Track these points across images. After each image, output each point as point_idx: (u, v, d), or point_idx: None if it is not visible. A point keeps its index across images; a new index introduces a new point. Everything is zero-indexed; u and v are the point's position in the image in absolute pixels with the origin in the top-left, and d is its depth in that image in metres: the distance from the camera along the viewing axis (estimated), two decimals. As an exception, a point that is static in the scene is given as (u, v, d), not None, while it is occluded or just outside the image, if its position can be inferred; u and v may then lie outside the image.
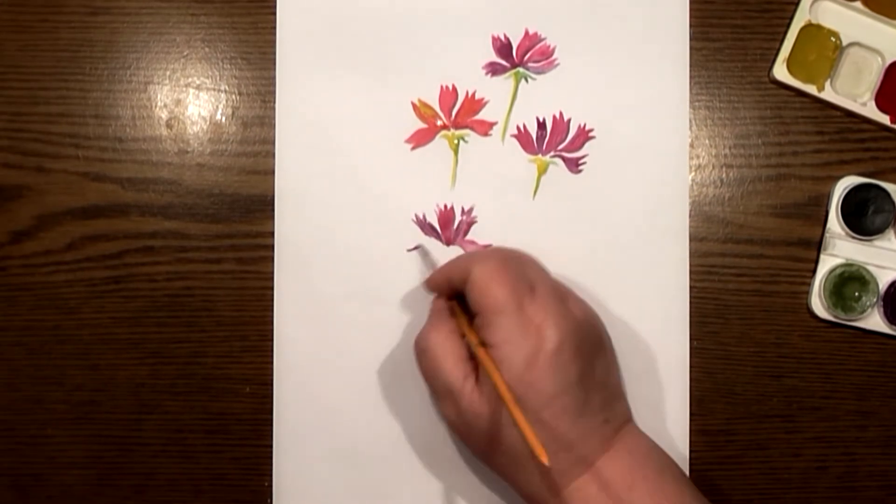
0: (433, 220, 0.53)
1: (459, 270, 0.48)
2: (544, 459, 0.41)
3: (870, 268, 0.52)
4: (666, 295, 0.53)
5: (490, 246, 0.52)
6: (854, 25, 0.53)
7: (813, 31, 0.53)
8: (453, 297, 0.49)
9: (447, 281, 0.49)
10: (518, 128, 0.53)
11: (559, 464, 0.45)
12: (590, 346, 0.46)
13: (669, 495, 0.45)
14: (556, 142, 0.53)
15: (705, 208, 0.53)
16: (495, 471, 0.48)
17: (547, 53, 0.53)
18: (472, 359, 0.46)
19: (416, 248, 0.52)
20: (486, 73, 0.53)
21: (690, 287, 0.53)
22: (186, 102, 0.54)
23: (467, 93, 0.53)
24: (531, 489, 0.46)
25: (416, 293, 0.53)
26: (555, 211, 0.53)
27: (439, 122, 0.53)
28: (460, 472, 0.53)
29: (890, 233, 0.52)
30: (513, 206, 0.53)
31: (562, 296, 0.47)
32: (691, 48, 0.53)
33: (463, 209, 0.53)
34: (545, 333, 0.45)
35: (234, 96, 0.53)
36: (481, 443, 0.47)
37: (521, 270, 0.47)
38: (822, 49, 0.53)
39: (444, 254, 0.53)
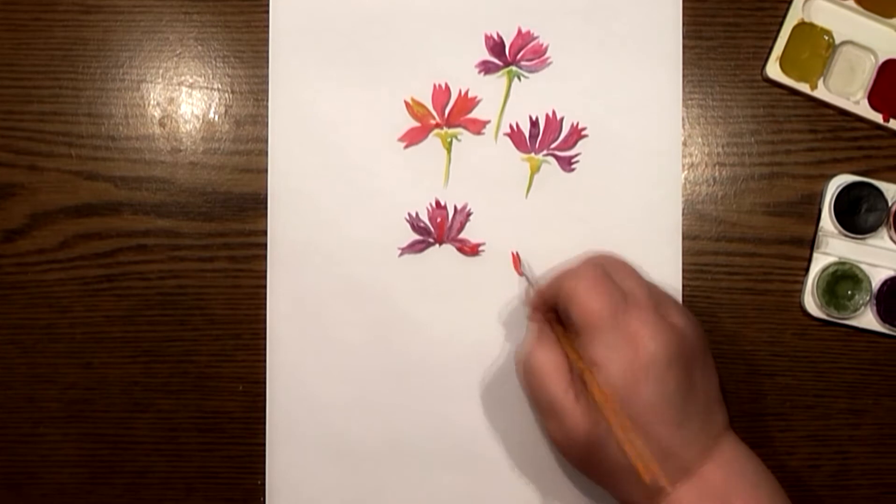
0: (426, 219, 0.53)
1: (556, 290, 0.47)
2: (647, 479, 0.42)
3: (863, 266, 0.52)
4: (659, 293, 0.53)
5: (584, 262, 0.49)
6: (847, 24, 0.53)
7: (806, 30, 0.53)
8: (551, 311, 0.49)
9: (545, 302, 0.49)
10: (511, 126, 0.53)
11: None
12: (688, 355, 0.46)
13: None
14: (549, 140, 0.53)
15: (698, 207, 0.53)
16: (594, 480, 0.48)
17: (540, 52, 0.53)
18: (573, 370, 0.46)
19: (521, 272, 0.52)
20: (479, 72, 0.53)
21: (683, 285, 0.53)
22: (179, 101, 0.54)
23: (460, 91, 0.53)
24: (631, 498, 0.46)
25: (412, 292, 0.53)
26: (548, 209, 0.53)
27: (432, 121, 0.53)
28: (453, 470, 0.53)
29: (882, 231, 0.52)
30: (506, 205, 0.53)
31: (658, 303, 0.46)
32: (684, 46, 0.53)
33: (456, 207, 0.53)
34: (641, 344, 0.44)
35: (226, 95, 0.53)
36: (582, 455, 0.46)
37: (616, 280, 0.46)
38: (815, 47, 0.53)
39: (438, 252, 0.53)
